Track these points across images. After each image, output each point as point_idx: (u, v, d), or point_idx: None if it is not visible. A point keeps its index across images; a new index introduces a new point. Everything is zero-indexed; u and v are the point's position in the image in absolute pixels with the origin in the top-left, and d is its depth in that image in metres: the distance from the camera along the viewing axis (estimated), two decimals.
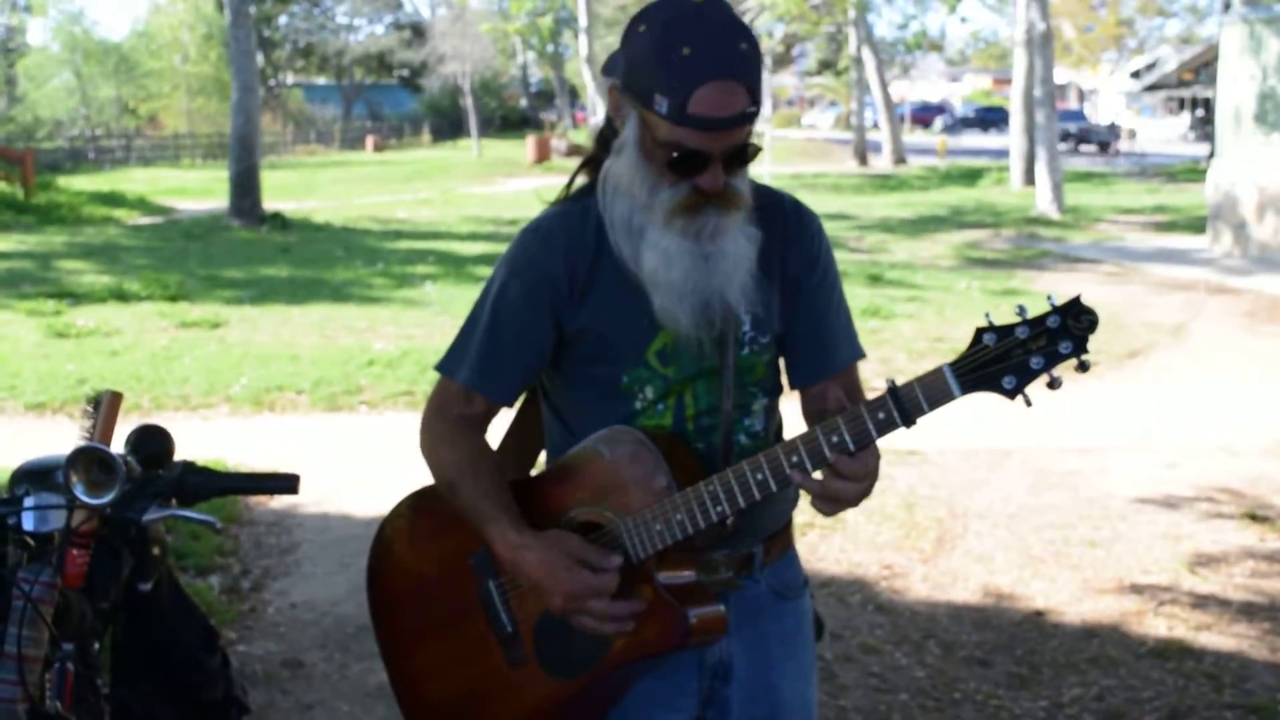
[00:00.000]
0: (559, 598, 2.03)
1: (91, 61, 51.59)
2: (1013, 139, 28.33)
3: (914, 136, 58.03)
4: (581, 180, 2.23)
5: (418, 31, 63.61)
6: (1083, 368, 1.82)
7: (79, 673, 2.41)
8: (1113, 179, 31.22)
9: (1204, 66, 47.75)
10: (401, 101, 69.58)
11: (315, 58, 68.63)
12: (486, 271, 15.95)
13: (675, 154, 1.99)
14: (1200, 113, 53.33)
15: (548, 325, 2.14)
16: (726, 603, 2.12)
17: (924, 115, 69.97)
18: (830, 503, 1.97)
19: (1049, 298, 1.83)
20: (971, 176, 31.44)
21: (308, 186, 32.34)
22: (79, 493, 2.20)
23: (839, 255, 16.30)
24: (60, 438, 7.45)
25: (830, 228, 16.62)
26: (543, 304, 2.13)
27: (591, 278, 2.12)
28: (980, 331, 1.85)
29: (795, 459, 1.95)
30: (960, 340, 10.42)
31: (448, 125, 62.19)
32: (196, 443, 6.91)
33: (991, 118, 65.83)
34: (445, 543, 2.25)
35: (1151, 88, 56.01)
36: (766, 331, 2.18)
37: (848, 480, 1.94)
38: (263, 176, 22.63)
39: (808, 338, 2.22)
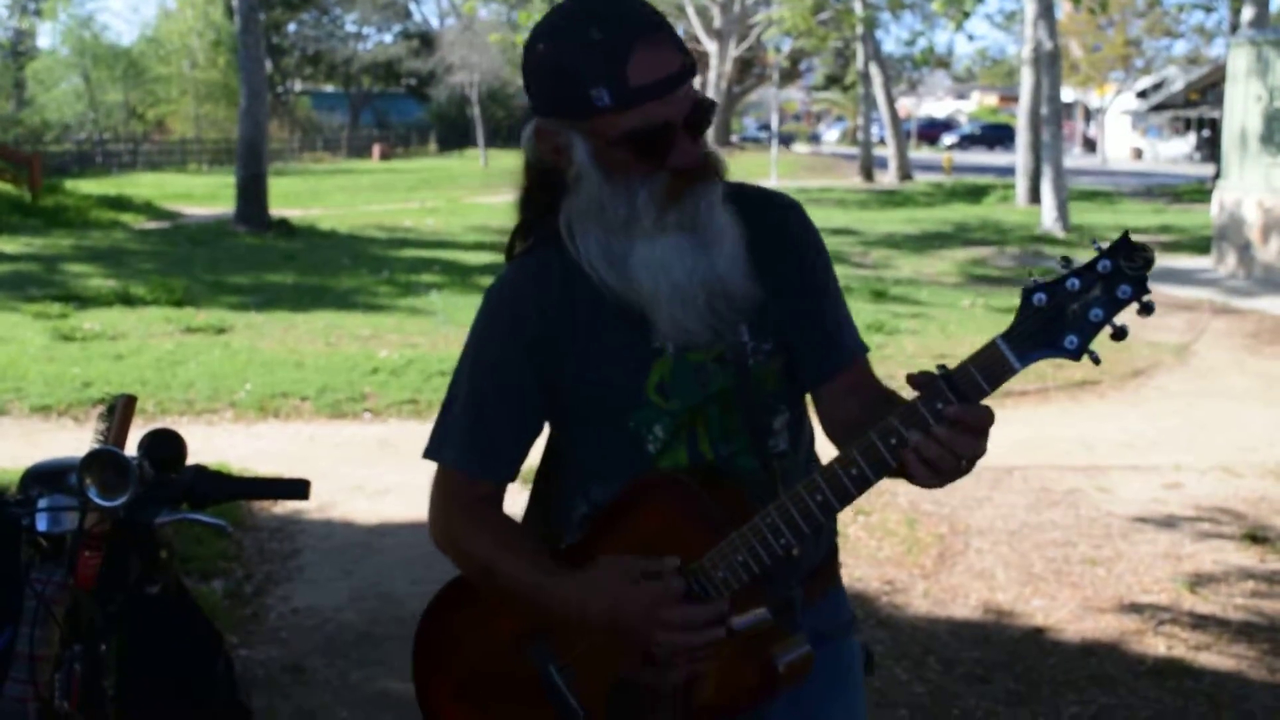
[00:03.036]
0: (631, 621, 1.83)
1: (100, 66, 51.64)
2: (1019, 157, 28.35)
3: (920, 152, 58.09)
4: (520, 247, 2.06)
5: (426, 41, 63.68)
6: (1146, 310, 1.65)
7: (86, 674, 2.43)
8: (1118, 198, 31.23)
9: (1211, 87, 47.73)
10: (409, 110, 69.64)
11: (323, 65, 68.67)
12: (491, 281, 15.84)
13: (637, 139, 1.82)
14: (1206, 133, 53.33)
15: (532, 385, 1.98)
16: None
17: (930, 131, 70.07)
18: (934, 469, 1.73)
19: (1094, 241, 1.67)
20: (977, 193, 31.46)
21: (314, 193, 32.38)
22: (92, 495, 2.22)
23: (843, 271, 16.30)
24: (66, 440, 7.48)
25: (835, 243, 16.64)
26: (522, 365, 1.97)
27: (567, 325, 1.96)
28: (1027, 292, 1.67)
29: (855, 471, 1.76)
30: (963, 357, 10.42)
31: (454, 134, 62.22)
32: (201, 448, 6.92)
33: (996, 135, 65.94)
34: (492, 636, 2.04)
35: (1158, 108, 55.98)
36: (767, 337, 1.99)
37: (964, 434, 1.70)
38: (269, 183, 22.68)
39: (809, 334, 2.03)
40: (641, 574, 1.84)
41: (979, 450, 1.73)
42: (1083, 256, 1.66)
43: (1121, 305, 1.64)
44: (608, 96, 1.79)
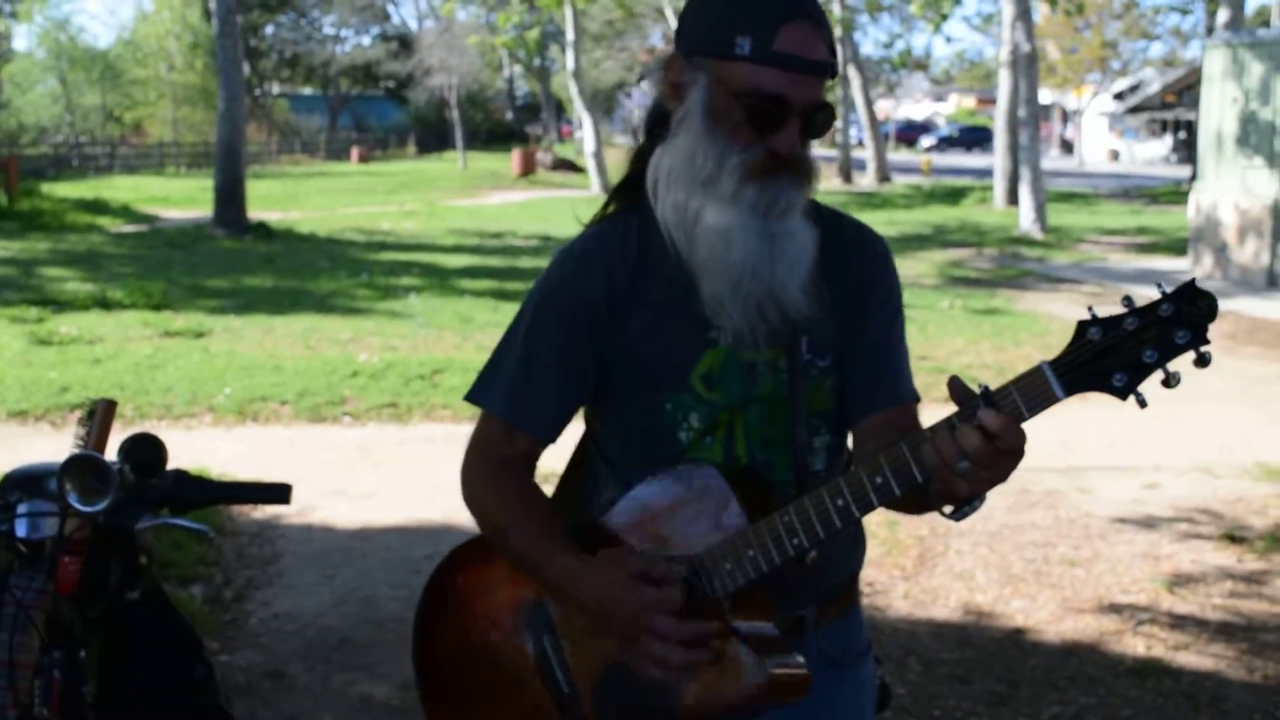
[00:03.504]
0: (619, 621, 1.82)
1: (77, 69, 51.44)
2: (997, 159, 28.45)
3: (898, 154, 58.24)
4: (613, 207, 2.07)
5: (404, 43, 63.64)
6: (1202, 361, 1.60)
7: (66, 680, 2.42)
8: (1095, 200, 31.37)
9: (1187, 89, 48.00)
10: (387, 113, 69.57)
11: (301, 68, 68.59)
12: (471, 284, 16.09)
13: (757, 101, 1.83)
14: (1183, 135, 53.64)
15: (586, 353, 1.98)
16: None
17: (908, 133, 70.29)
18: (970, 478, 1.67)
19: (1159, 284, 1.62)
20: (955, 195, 31.57)
21: (292, 196, 32.30)
22: (73, 500, 2.22)
23: None
24: (43, 445, 7.45)
25: None
26: (580, 330, 1.97)
27: (631, 298, 1.96)
28: (1083, 325, 1.62)
29: (880, 479, 1.72)
30: (942, 358, 10.46)
31: (433, 137, 62.18)
32: (180, 453, 6.88)
33: (974, 137, 66.17)
34: (497, 599, 2.05)
35: (1135, 109, 56.29)
36: (826, 354, 1.98)
37: (995, 445, 1.64)
38: (248, 186, 22.61)
39: (866, 363, 2.01)
40: (643, 575, 1.81)
41: (1005, 471, 1.68)
42: (1110, 303, 1.64)
43: (1178, 351, 1.60)
44: (749, 47, 1.82)
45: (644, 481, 1.93)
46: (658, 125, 1.98)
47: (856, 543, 2.11)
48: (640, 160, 2.01)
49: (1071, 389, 1.63)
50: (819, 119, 1.88)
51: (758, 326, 1.88)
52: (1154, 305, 1.60)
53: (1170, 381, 1.62)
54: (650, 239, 1.96)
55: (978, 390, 1.66)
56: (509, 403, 2.01)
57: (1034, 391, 1.64)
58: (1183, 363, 1.62)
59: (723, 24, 1.84)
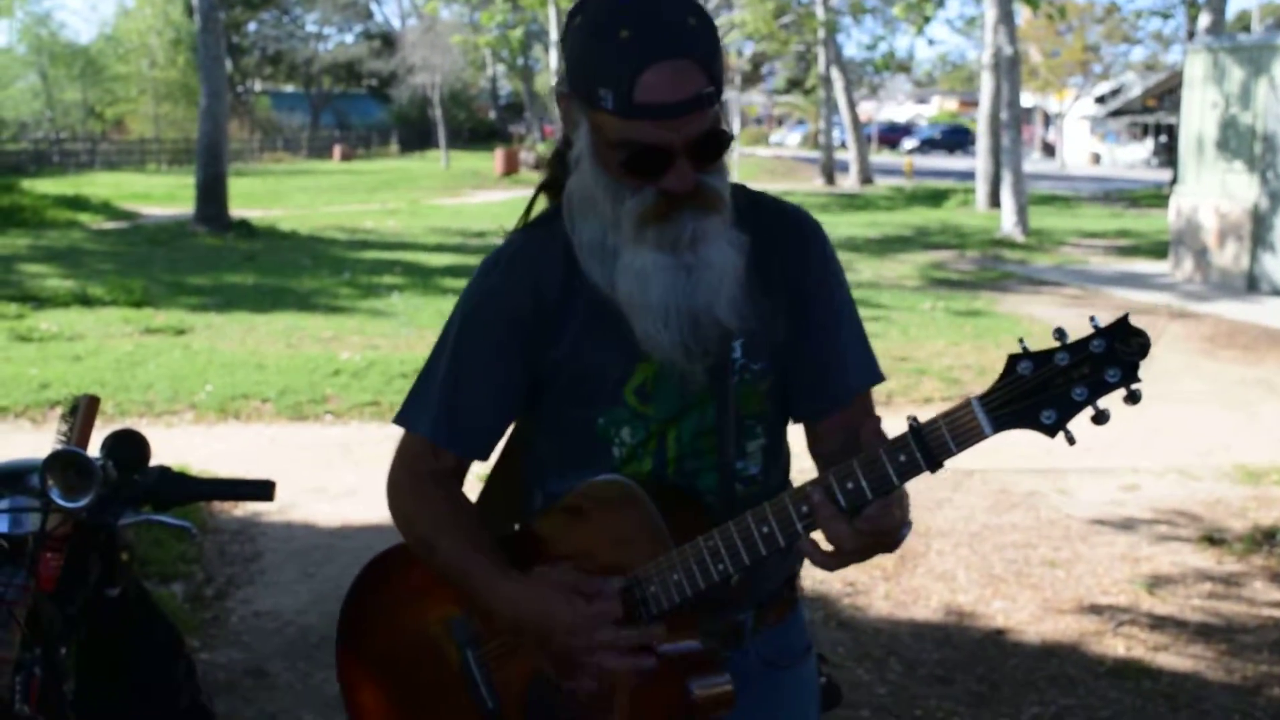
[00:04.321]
0: (560, 635, 1.80)
1: (58, 64, 51.25)
2: (979, 161, 28.52)
3: (881, 156, 58.36)
4: (542, 205, 2.02)
5: (387, 41, 63.54)
6: (1133, 398, 1.59)
7: (45, 678, 2.41)
8: (1077, 203, 31.47)
9: (1168, 93, 48.26)
10: (370, 111, 69.44)
11: (284, 65, 68.41)
12: (453, 283, 16.06)
13: (629, 153, 1.76)
14: (1164, 139, 53.86)
15: (516, 367, 1.92)
16: None
17: (891, 135, 70.42)
18: (835, 557, 1.72)
19: (1092, 319, 1.61)
20: (937, 198, 31.63)
21: (274, 194, 32.22)
22: (55, 496, 2.21)
23: None
24: (23, 441, 7.41)
25: None
26: (509, 344, 1.91)
27: (562, 310, 1.89)
28: (1014, 359, 1.60)
29: (806, 509, 1.71)
30: (923, 359, 10.48)
31: (416, 136, 62.09)
32: (161, 450, 6.86)
33: (956, 139, 66.33)
34: (423, 609, 2.02)
35: (1116, 113, 56.56)
36: (760, 357, 1.93)
37: (863, 533, 1.69)
38: (229, 183, 22.54)
39: (814, 362, 1.97)
40: (578, 591, 1.80)
41: (887, 544, 1.74)
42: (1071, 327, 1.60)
43: (1108, 389, 1.58)
44: (611, 101, 1.74)
45: (573, 492, 1.91)
46: (564, 153, 1.93)
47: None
48: (560, 163, 1.95)
49: (1000, 426, 1.62)
50: (710, 147, 1.79)
51: (691, 348, 1.83)
52: (1086, 341, 1.58)
53: (1100, 419, 1.59)
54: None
55: (909, 421, 1.65)
56: (437, 426, 1.94)
57: (962, 427, 1.62)
58: (1114, 399, 1.60)
59: (586, 74, 1.77)
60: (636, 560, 1.82)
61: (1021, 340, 1.63)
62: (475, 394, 1.93)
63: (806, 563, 1.85)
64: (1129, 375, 1.57)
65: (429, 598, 2.00)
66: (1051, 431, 1.60)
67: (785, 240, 1.96)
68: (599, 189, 1.82)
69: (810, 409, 1.99)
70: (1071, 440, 1.61)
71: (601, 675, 1.81)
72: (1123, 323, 1.58)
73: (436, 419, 1.94)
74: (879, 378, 2.04)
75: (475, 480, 2.08)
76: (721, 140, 1.80)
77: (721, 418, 1.92)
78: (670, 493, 1.89)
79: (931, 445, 1.63)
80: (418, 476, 1.97)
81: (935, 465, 1.64)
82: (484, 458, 2.01)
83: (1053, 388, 1.59)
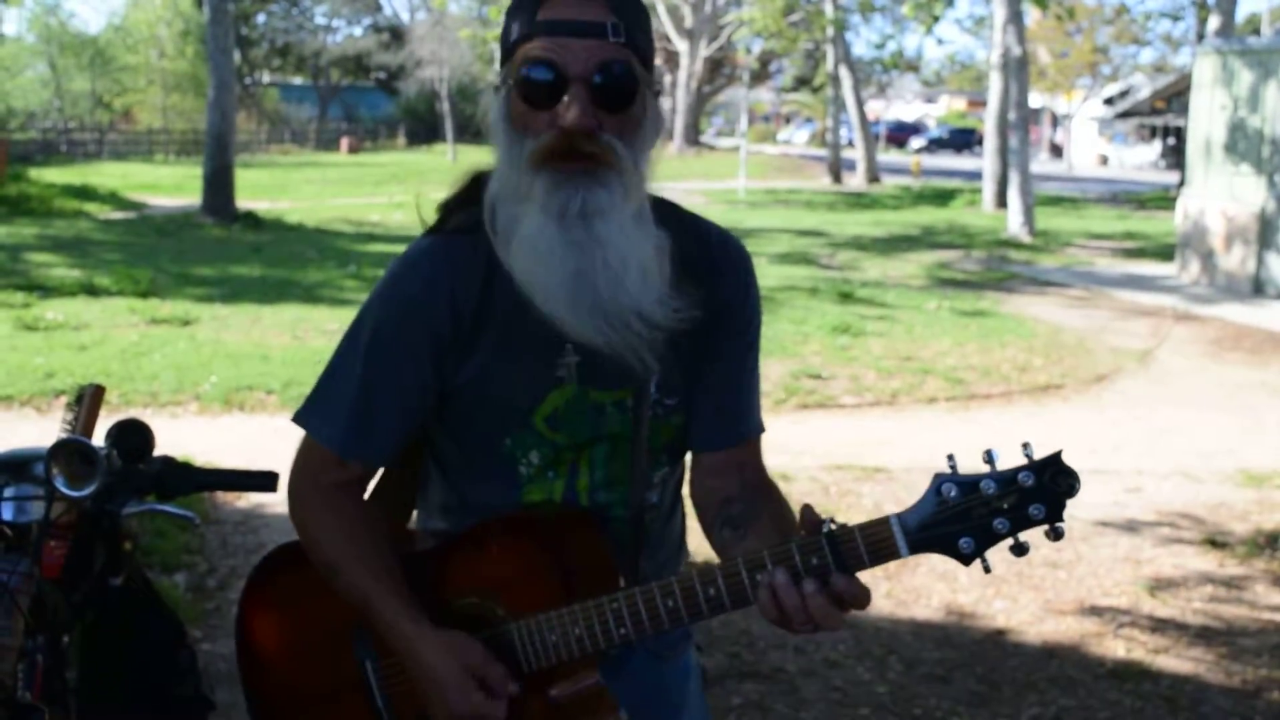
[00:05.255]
0: (442, 711, 1.79)
1: (67, 54, 51.25)
2: (986, 161, 28.48)
3: (888, 155, 58.31)
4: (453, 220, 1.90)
5: (396, 35, 63.53)
6: (1055, 535, 1.55)
7: (49, 665, 2.42)
8: (1084, 204, 31.44)
9: (1176, 96, 48.14)
10: (378, 104, 69.40)
11: (292, 57, 68.39)
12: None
13: (526, 75, 1.70)
14: (1171, 141, 53.76)
15: (428, 376, 1.84)
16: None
17: (899, 134, 70.36)
18: (786, 618, 1.66)
19: (1025, 446, 1.58)
20: (944, 197, 31.60)
21: (281, 186, 32.22)
22: (60, 485, 2.22)
23: (810, 272, 16.33)
24: (28, 430, 7.43)
25: (802, 244, 16.61)
26: (423, 356, 1.83)
27: (477, 323, 1.81)
28: (940, 480, 1.58)
29: (713, 591, 1.69)
30: (928, 359, 10.49)
31: (423, 129, 62.06)
32: (165, 440, 6.88)
33: (964, 139, 66.26)
34: (326, 605, 1.93)
35: (1124, 115, 56.44)
36: (674, 394, 1.89)
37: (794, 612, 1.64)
38: (237, 175, 22.54)
39: (714, 396, 1.91)
40: (479, 678, 1.77)
41: (835, 624, 1.65)
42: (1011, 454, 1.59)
43: (1030, 524, 1.56)
44: (517, 29, 1.74)
45: (483, 522, 1.87)
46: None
47: (680, 552, 2.07)
48: (478, 180, 1.90)
49: (916, 549, 1.60)
50: (611, 85, 1.70)
51: (626, 338, 1.75)
52: (1014, 472, 1.56)
53: (1019, 550, 1.57)
54: (495, 259, 1.81)
55: (825, 524, 1.63)
56: (346, 434, 1.86)
57: (879, 544, 1.61)
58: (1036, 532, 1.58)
59: (507, 23, 1.78)
60: (535, 606, 1.80)
61: (950, 458, 1.61)
62: (386, 404, 1.85)
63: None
64: (1054, 513, 1.55)
65: (335, 595, 1.94)
66: (967, 560, 1.59)
67: (715, 264, 1.90)
68: (506, 154, 1.76)
69: (704, 440, 1.94)
70: (987, 569, 1.59)
71: None
72: (1055, 459, 1.56)
73: (346, 429, 1.86)
74: (763, 428, 2.00)
75: None
76: (625, 79, 1.71)
77: (635, 454, 1.89)
78: (583, 527, 1.86)
79: (845, 555, 1.62)
80: (323, 490, 1.89)
81: (846, 571, 1.62)
82: (389, 464, 1.97)
83: (974, 516, 1.57)
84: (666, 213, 1.87)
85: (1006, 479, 1.56)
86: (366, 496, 1.97)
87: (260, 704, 2.05)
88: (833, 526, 1.62)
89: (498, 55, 1.87)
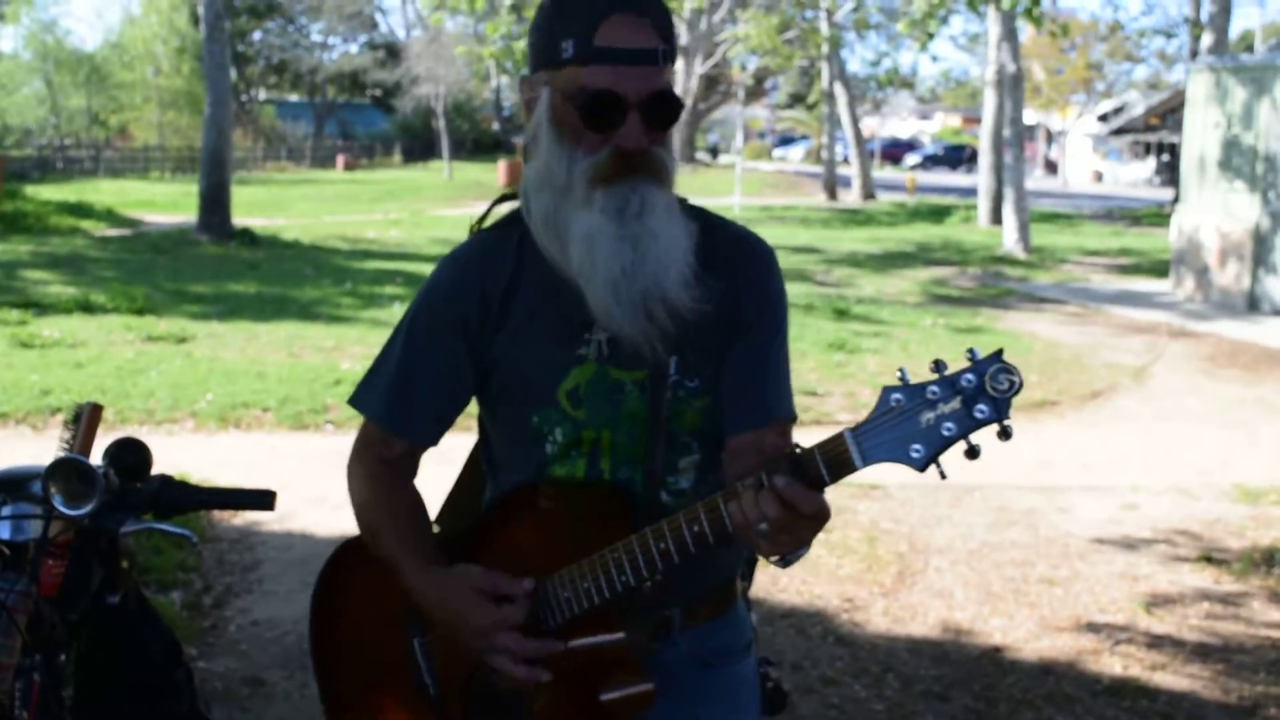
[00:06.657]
0: (466, 634, 1.92)
1: (63, 71, 51.25)
2: (981, 178, 28.55)
3: (883, 172, 58.41)
4: (503, 210, 2.10)
5: (392, 52, 63.59)
6: (1004, 434, 1.57)
7: (45, 683, 2.42)
8: (1078, 220, 31.49)
9: (1170, 112, 48.27)
10: (374, 121, 69.49)
11: (288, 74, 68.44)
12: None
13: (586, 99, 1.82)
14: (1166, 158, 53.88)
15: (462, 359, 2.00)
16: None
17: (894, 151, 70.49)
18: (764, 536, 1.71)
19: (969, 351, 1.60)
20: (939, 214, 31.65)
21: (277, 203, 32.24)
22: (58, 503, 2.22)
23: (806, 289, 16.32)
24: (24, 448, 7.42)
25: (798, 261, 16.65)
26: (454, 337, 1.99)
27: (505, 308, 1.97)
28: (888, 391, 1.60)
29: (697, 528, 1.75)
30: (924, 376, 10.49)
31: (419, 146, 62.14)
32: (161, 458, 6.87)
33: (959, 156, 66.37)
34: (382, 594, 2.11)
35: (1118, 131, 56.53)
36: (695, 375, 1.96)
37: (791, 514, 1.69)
38: (233, 192, 22.55)
39: (741, 379, 1.97)
40: (491, 592, 1.90)
41: (797, 536, 1.71)
42: (956, 358, 1.61)
43: (978, 425, 1.57)
44: (571, 49, 1.83)
45: (503, 496, 2.03)
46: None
47: (737, 549, 2.08)
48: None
49: (869, 458, 1.62)
50: (662, 108, 1.85)
51: (648, 330, 1.86)
52: (957, 375, 1.57)
53: (972, 454, 1.59)
54: (527, 253, 1.97)
55: (791, 449, 1.68)
56: (387, 408, 2.04)
57: (835, 458, 1.64)
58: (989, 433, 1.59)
59: (551, 33, 1.86)
60: (557, 563, 1.90)
61: (901, 370, 1.62)
62: (424, 381, 2.02)
63: (764, 566, 1.85)
64: (1000, 411, 1.56)
65: (390, 582, 2.07)
66: (920, 467, 1.59)
67: (737, 254, 2.01)
68: (553, 156, 1.88)
69: (728, 423, 1.98)
70: (943, 475, 1.61)
71: (508, 651, 1.89)
72: (995, 358, 1.58)
73: (388, 403, 2.03)
74: (795, 414, 2.03)
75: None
76: (674, 104, 1.86)
77: (653, 433, 1.96)
78: (602, 495, 1.96)
79: (807, 471, 1.66)
80: (372, 465, 2.09)
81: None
82: (433, 443, 2.09)
83: (923, 422, 1.58)
84: (685, 207, 1.99)
85: (950, 382, 1.57)
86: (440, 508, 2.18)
87: (329, 684, 2.23)
88: (797, 450, 1.68)
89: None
